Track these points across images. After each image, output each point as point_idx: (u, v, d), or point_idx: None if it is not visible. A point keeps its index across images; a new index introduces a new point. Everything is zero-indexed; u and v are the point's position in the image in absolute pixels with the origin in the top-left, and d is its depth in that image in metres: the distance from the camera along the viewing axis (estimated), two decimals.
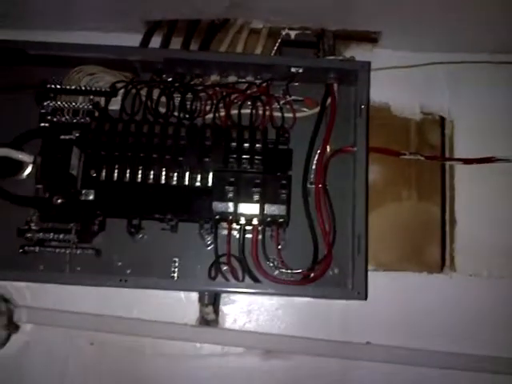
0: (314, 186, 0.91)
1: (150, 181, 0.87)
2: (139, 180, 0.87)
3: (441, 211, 0.97)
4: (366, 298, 0.84)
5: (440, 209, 0.97)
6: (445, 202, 0.98)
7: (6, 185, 0.91)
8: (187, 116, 0.92)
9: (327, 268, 0.88)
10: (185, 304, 0.93)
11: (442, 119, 1.02)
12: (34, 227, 0.89)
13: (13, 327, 0.90)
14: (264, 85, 0.94)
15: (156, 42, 0.99)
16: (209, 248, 0.91)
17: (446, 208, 0.98)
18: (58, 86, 0.92)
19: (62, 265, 0.88)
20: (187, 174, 0.87)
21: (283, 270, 0.88)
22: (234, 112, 0.92)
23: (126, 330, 0.90)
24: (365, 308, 0.91)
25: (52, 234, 0.88)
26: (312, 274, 0.88)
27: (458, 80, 1.02)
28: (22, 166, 0.93)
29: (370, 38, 1.02)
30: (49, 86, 0.91)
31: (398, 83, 1.01)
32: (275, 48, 0.99)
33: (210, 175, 0.87)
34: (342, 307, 0.93)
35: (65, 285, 0.90)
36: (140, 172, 0.87)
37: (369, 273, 0.87)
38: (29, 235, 0.88)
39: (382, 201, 0.97)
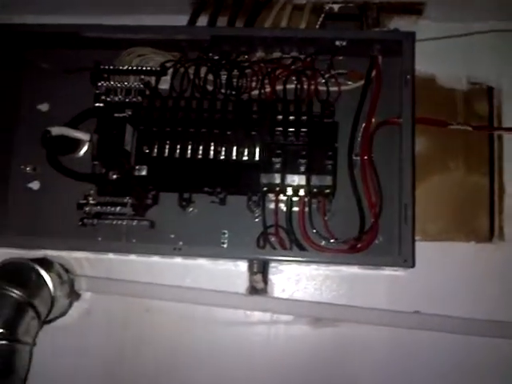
0: (359, 157, 0.92)
1: (199, 156, 0.90)
2: (189, 155, 0.90)
3: (489, 181, 0.96)
4: (413, 266, 0.84)
5: (488, 179, 0.96)
6: (493, 172, 0.97)
7: (65, 162, 0.97)
8: (234, 92, 0.95)
9: (374, 238, 0.89)
10: (234, 274, 0.96)
11: (490, 89, 1.00)
12: (92, 201, 0.94)
13: (74, 295, 0.96)
14: (308, 59, 0.95)
15: (202, 22, 1.01)
16: (257, 220, 0.94)
17: (494, 178, 0.96)
18: (111, 67, 0.96)
19: (119, 236, 0.94)
20: (234, 148, 0.90)
21: (330, 240, 0.90)
22: (280, 87, 0.94)
23: (179, 297, 0.94)
24: (413, 278, 0.92)
25: (109, 207, 0.93)
26: (359, 244, 0.89)
27: (506, 49, 1.00)
28: (79, 144, 0.99)
29: (415, 10, 1.02)
30: (102, 67, 0.96)
31: (443, 54, 1.00)
32: (319, 23, 1.00)
33: (257, 149, 0.89)
34: (390, 277, 0.94)
35: (121, 254, 0.95)
36: (189, 148, 0.90)
37: (416, 243, 0.87)
38: (87, 209, 0.94)
39: (429, 172, 0.97)
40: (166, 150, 0.91)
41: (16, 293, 0.84)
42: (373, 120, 0.93)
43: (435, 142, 0.98)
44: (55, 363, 0.95)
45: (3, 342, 0.80)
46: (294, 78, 0.94)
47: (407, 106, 0.89)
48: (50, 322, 0.93)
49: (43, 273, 0.89)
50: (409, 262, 0.84)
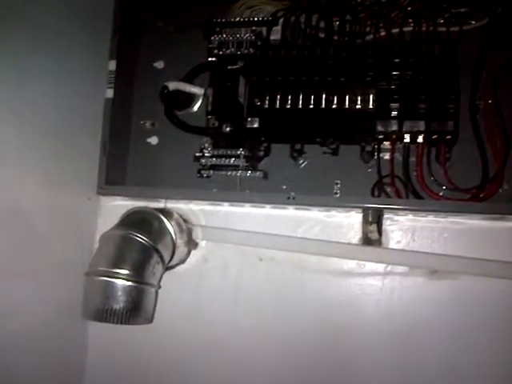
0: (482, 101, 0.86)
1: (311, 106, 0.89)
2: (300, 106, 0.90)
3: None
4: None
5: None
6: None
7: (180, 117, 1.00)
8: (347, 38, 0.92)
9: (498, 186, 0.84)
10: (346, 226, 0.95)
11: None
12: (207, 154, 0.97)
13: (192, 244, 1.01)
14: None
15: None
16: (370, 170, 0.92)
17: None
18: (223, 20, 0.97)
19: (233, 187, 0.96)
20: (347, 96, 0.88)
21: (450, 190, 0.86)
22: (395, 31, 0.90)
23: (292, 247, 0.95)
24: None
25: (223, 159, 0.96)
26: (482, 194, 0.85)
27: None
28: (193, 98, 1.02)
29: None
30: (215, 20, 0.97)
31: None
32: None
33: (371, 97, 0.87)
34: None
35: (235, 205, 0.98)
36: (301, 98, 0.90)
37: None
38: (203, 161, 0.97)
39: None
40: (278, 102, 0.91)
41: (142, 238, 0.89)
42: (498, 61, 0.86)
43: None
44: (177, 305, 1.00)
45: (132, 284, 0.86)
46: (410, 20, 0.90)
47: None
48: (171, 268, 0.99)
49: (165, 221, 0.94)
50: None
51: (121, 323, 0.87)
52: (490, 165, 0.85)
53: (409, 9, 0.90)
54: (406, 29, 0.90)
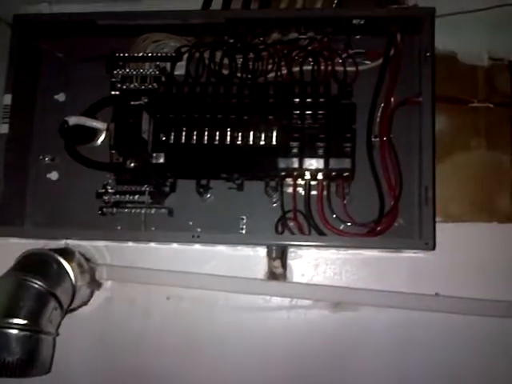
0: (378, 139, 0.90)
1: (216, 142, 0.89)
2: (205, 142, 0.90)
3: (511, 159, 0.94)
4: (434, 248, 0.83)
5: (510, 157, 0.94)
6: None
7: (83, 152, 0.97)
8: (250, 76, 0.93)
9: (393, 221, 0.88)
10: (253, 260, 0.96)
11: None
12: (110, 190, 0.94)
13: (95, 284, 0.97)
14: (325, 39, 0.93)
15: (217, 5, 0.99)
16: (274, 205, 0.93)
17: None
18: (126, 55, 0.95)
19: (138, 224, 0.94)
20: (251, 133, 0.89)
21: (349, 224, 0.89)
22: (296, 69, 0.93)
23: (198, 284, 0.94)
24: (434, 259, 0.91)
25: (127, 195, 0.93)
26: (378, 228, 0.88)
27: None
28: (96, 133, 0.98)
29: None
30: (117, 54, 0.95)
31: (463, 29, 0.97)
32: (335, 1, 0.97)
33: (274, 134, 0.88)
34: (410, 259, 0.92)
35: (141, 242, 0.95)
36: (206, 134, 0.90)
37: (437, 224, 0.85)
38: (106, 198, 0.94)
39: (450, 151, 0.94)
40: (183, 137, 0.90)
41: (38, 283, 0.84)
42: (392, 100, 0.91)
43: (456, 121, 0.96)
44: (78, 351, 0.96)
45: (27, 333, 0.81)
46: (310, 59, 0.93)
47: (427, 85, 0.87)
48: (72, 311, 0.94)
49: (64, 263, 0.90)
50: (430, 244, 0.83)
51: (15, 376, 0.81)
52: (386, 199, 0.89)
53: (309, 48, 0.93)
54: (305, 68, 0.92)
